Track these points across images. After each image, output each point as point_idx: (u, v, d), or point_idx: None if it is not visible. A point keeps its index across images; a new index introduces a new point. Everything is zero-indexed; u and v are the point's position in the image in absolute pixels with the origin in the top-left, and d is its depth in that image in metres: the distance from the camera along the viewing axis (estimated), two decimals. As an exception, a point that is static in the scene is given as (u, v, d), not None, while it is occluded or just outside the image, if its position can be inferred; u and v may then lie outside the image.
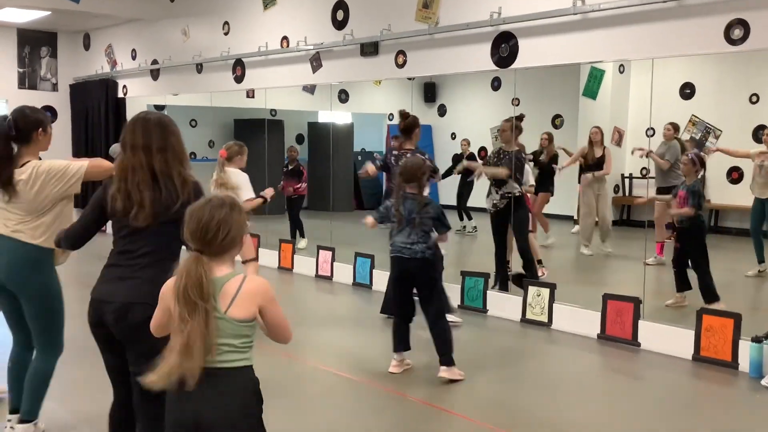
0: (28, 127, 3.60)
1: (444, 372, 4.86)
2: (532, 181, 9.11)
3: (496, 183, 7.18)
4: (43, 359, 3.65)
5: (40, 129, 3.65)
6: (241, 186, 6.01)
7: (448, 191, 15.15)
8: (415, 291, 5.07)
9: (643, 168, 9.72)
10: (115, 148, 9.01)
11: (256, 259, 6.05)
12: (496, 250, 7.25)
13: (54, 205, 3.59)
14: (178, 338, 2.24)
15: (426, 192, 5.81)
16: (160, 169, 2.86)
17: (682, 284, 6.65)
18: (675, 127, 8.85)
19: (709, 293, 6.28)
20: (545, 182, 10.06)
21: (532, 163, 8.83)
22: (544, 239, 10.07)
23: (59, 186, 3.54)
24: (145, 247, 2.87)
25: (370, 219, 5.14)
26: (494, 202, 7.21)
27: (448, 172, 11.10)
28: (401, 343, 5.08)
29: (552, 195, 10.19)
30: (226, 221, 2.30)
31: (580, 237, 9.60)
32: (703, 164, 6.70)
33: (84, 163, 3.59)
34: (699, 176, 6.64)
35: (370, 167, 6.31)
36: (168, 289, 2.34)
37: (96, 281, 2.97)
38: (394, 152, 6.16)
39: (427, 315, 4.97)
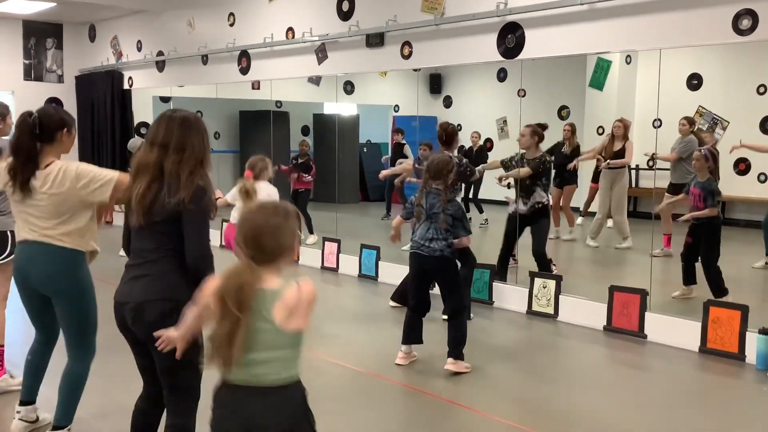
0: (52, 126, 3.48)
1: (450, 365, 4.88)
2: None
3: (524, 191, 7.02)
4: (78, 363, 3.56)
5: (65, 129, 3.53)
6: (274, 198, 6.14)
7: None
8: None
9: (650, 160, 9.67)
10: (134, 143, 9.02)
11: None
12: (502, 250, 7.18)
13: (79, 210, 3.46)
14: (214, 337, 2.20)
15: (458, 196, 5.92)
16: (168, 169, 2.81)
17: (689, 278, 6.63)
18: (690, 121, 8.69)
19: (719, 290, 6.23)
20: (570, 175, 9.99)
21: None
22: (567, 233, 10.00)
23: (84, 191, 3.40)
24: (151, 243, 2.85)
25: (397, 219, 5.33)
26: (519, 208, 7.04)
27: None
28: (412, 334, 5.07)
29: (577, 187, 10.10)
30: (280, 228, 2.25)
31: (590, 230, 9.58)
32: (716, 160, 6.49)
33: (114, 174, 3.44)
34: (710, 172, 6.44)
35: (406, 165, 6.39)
36: (209, 288, 2.28)
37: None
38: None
39: (445, 309, 5.12)
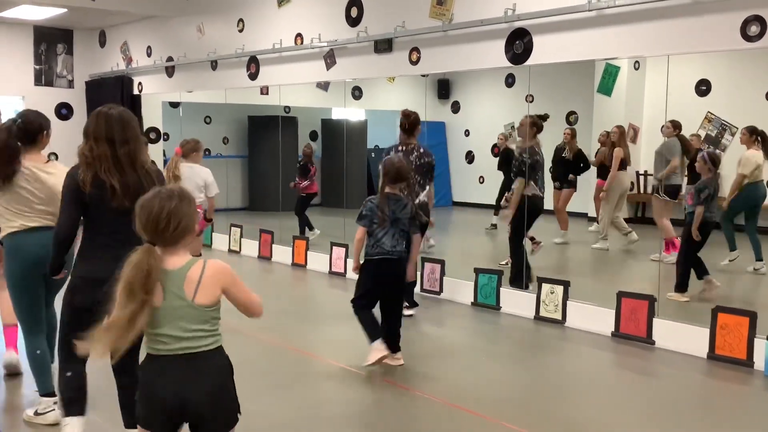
0: (34, 129, 4.06)
1: (398, 360, 5.10)
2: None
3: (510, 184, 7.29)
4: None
5: (45, 132, 4.11)
6: (208, 182, 6.42)
7: (462, 188, 15.15)
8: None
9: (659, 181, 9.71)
10: None
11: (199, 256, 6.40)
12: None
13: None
14: (116, 315, 2.34)
15: (430, 190, 5.95)
16: (123, 160, 3.23)
17: (700, 272, 6.89)
18: (675, 124, 8.89)
19: (680, 284, 6.77)
20: (569, 179, 10.05)
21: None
22: (559, 237, 10.05)
23: None
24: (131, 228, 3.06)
25: (359, 233, 5.02)
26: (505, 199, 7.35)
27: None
28: (379, 329, 5.03)
29: (575, 191, 10.17)
30: (177, 212, 2.39)
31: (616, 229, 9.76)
32: (715, 163, 6.76)
33: None
34: (712, 174, 6.74)
35: None
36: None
37: (83, 263, 3.26)
38: (401, 147, 6.27)
39: (394, 311, 5.14)
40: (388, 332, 5.08)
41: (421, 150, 6.35)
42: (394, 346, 5.09)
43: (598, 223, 10.19)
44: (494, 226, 11.33)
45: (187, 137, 7.19)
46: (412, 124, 6.35)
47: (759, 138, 8.11)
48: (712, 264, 7.34)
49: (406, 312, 5.90)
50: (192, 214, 2.45)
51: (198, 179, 6.60)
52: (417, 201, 6.19)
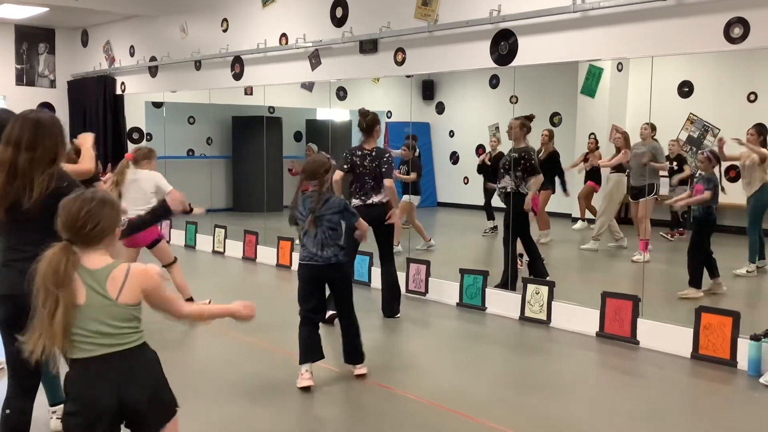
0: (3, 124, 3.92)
1: (362, 369, 4.92)
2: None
3: (497, 177, 7.46)
4: None
5: None
6: (160, 182, 6.21)
7: (446, 189, 15.16)
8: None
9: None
10: None
11: (175, 261, 6.34)
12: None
13: None
14: (36, 321, 2.38)
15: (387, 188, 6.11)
16: (21, 167, 3.04)
17: (711, 271, 7.08)
18: (652, 127, 9.15)
19: (694, 280, 6.88)
20: (547, 180, 10.08)
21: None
22: (540, 237, 10.08)
23: None
24: (22, 241, 3.04)
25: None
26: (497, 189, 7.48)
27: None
28: (316, 351, 4.76)
29: (553, 192, 10.22)
30: (95, 213, 2.45)
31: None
32: (718, 160, 7.29)
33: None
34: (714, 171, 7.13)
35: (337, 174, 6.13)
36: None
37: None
38: (358, 152, 6.25)
39: (341, 318, 4.97)
40: (344, 345, 4.93)
41: (374, 154, 6.28)
42: (352, 359, 4.93)
43: (583, 220, 10.24)
44: (492, 230, 11.27)
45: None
46: (369, 124, 6.27)
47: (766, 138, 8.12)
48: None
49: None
50: (113, 217, 2.51)
51: (147, 185, 6.16)
52: (370, 201, 6.22)
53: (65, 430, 2.49)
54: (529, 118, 7.47)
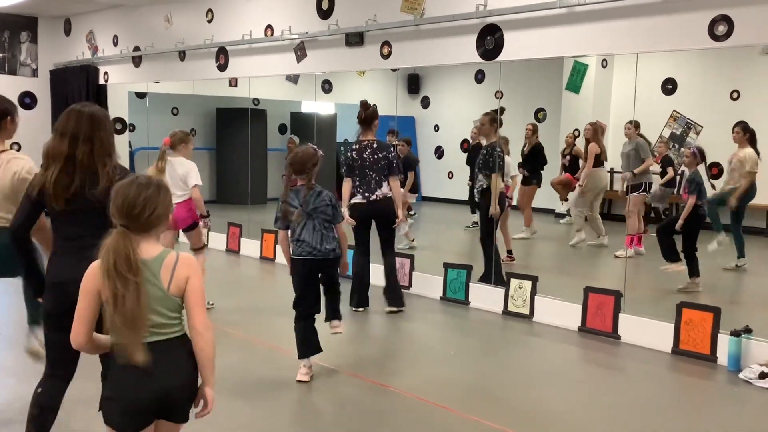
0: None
1: (339, 327, 4.95)
2: (513, 173, 9.20)
3: (472, 177, 7.34)
4: None
5: (9, 117, 3.82)
6: (190, 172, 6.13)
7: (431, 183, 15.18)
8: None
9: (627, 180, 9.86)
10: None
11: (205, 246, 6.23)
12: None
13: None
14: (116, 317, 2.32)
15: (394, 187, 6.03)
16: (80, 159, 3.05)
17: (671, 254, 7.11)
18: (636, 125, 9.07)
19: (691, 270, 6.98)
20: (531, 175, 10.12)
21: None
22: (519, 232, 10.11)
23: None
24: (80, 231, 3.06)
25: (280, 236, 4.84)
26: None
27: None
28: (313, 347, 4.75)
29: (539, 188, 10.24)
30: (153, 198, 2.42)
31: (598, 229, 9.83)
32: (703, 157, 7.32)
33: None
34: (698, 168, 7.19)
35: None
36: (92, 272, 2.41)
37: (51, 268, 3.14)
38: (355, 146, 6.22)
39: (331, 290, 4.93)
40: (326, 305, 4.91)
41: (375, 145, 6.28)
42: (333, 316, 4.93)
43: (569, 215, 10.27)
44: (475, 224, 11.31)
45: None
46: (369, 116, 6.27)
47: (750, 135, 8.13)
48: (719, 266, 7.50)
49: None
50: (168, 204, 2.47)
51: (180, 170, 6.14)
52: (374, 197, 6.20)
53: (104, 414, 2.45)
54: (498, 112, 7.47)
